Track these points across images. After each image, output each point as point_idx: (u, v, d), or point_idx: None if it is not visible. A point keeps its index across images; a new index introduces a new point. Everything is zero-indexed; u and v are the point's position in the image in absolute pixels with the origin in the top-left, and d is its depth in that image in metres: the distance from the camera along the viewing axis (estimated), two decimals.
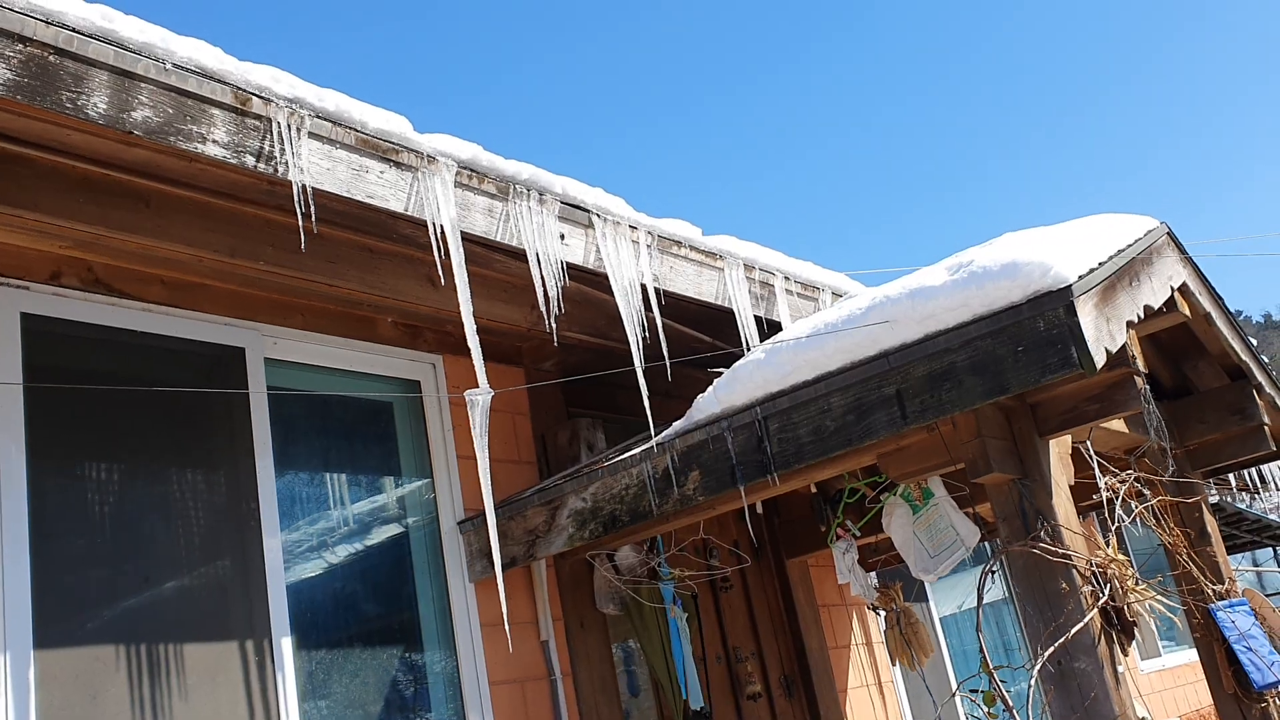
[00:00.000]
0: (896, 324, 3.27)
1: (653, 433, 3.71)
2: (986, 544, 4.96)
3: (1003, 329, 3.14)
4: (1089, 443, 3.93)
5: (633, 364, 3.66)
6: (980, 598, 3.45)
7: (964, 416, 3.36)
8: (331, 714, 3.67)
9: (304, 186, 2.88)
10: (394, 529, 4.18)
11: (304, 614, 3.70)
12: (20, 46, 2.44)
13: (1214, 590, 4.57)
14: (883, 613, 5.12)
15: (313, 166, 2.93)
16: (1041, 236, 3.46)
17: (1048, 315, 3.07)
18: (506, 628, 3.83)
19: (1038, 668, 3.18)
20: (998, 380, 3.14)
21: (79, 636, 3.14)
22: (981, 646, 3.35)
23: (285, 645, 3.53)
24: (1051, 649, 3.18)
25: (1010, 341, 3.12)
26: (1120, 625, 3.33)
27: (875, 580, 4.99)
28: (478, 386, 3.17)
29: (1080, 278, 3.10)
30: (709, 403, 3.68)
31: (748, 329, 4.20)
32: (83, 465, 3.34)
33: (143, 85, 2.59)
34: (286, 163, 2.87)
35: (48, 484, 3.21)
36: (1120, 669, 3.28)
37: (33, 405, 3.20)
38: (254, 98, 2.80)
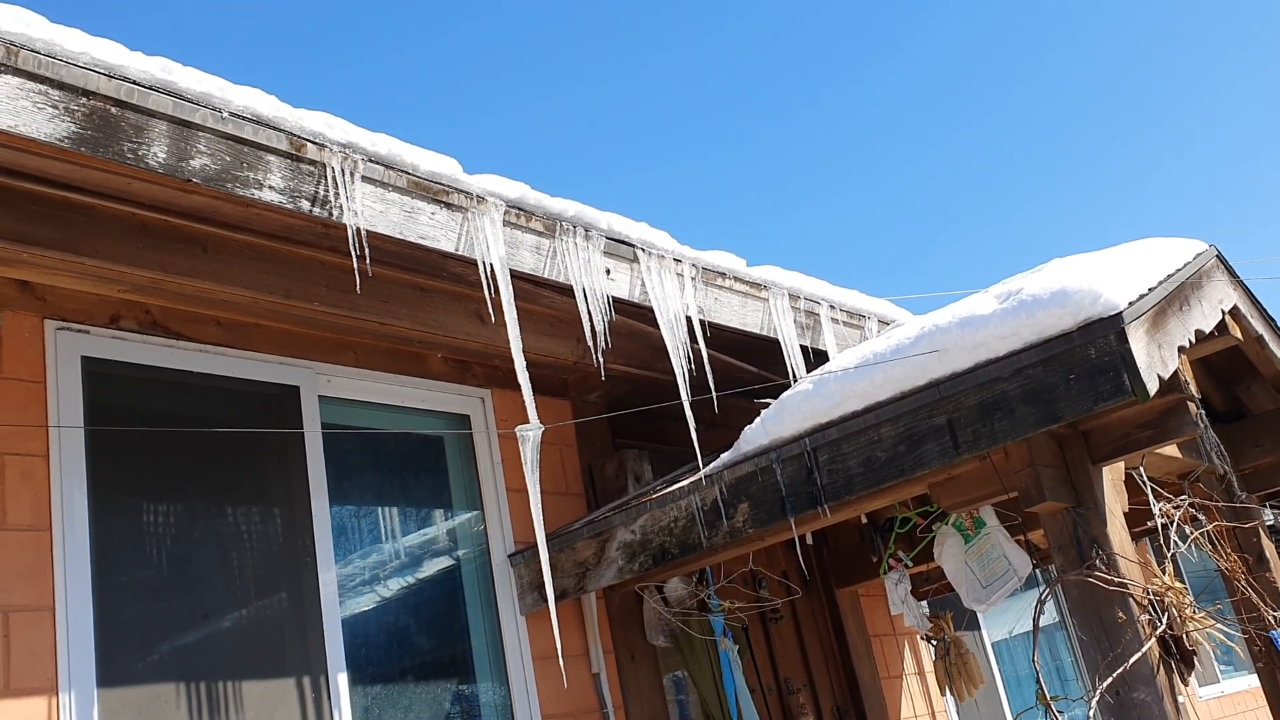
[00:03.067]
0: (946, 353, 3.27)
1: (700, 464, 3.72)
2: (1038, 571, 4.92)
3: (1054, 357, 3.13)
4: (1142, 469, 3.90)
5: (678, 395, 3.68)
6: (1036, 627, 3.42)
7: (1016, 445, 3.34)
8: None
9: (358, 229, 2.94)
10: (445, 562, 4.21)
11: (359, 648, 3.73)
12: (84, 100, 2.51)
13: (1274, 616, 4.50)
14: (934, 643, 5.08)
15: (366, 210, 2.99)
16: (1090, 262, 3.45)
17: (1099, 343, 3.06)
18: (561, 661, 3.84)
19: (1096, 699, 3.14)
20: (1050, 409, 3.13)
21: (141, 674, 3.18)
22: (1038, 677, 3.32)
23: (341, 680, 3.56)
24: (1110, 679, 3.14)
25: (1062, 369, 3.11)
26: (1179, 654, 3.28)
27: (926, 609, 4.95)
28: (526, 420, 3.20)
29: (1131, 304, 3.09)
30: (757, 434, 3.69)
31: (794, 358, 4.21)
32: (143, 504, 3.40)
33: (200, 134, 2.66)
34: (341, 206, 2.92)
35: (109, 523, 3.27)
36: (1180, 699, 3.23)
37: (94, 446, 3.27)
38: (309, 143, 2.86)
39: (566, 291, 3.67)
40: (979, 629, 6.64)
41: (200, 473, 3.56)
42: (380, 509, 4.12)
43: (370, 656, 3.79)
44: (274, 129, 2.79)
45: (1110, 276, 3.16)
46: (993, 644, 6.75)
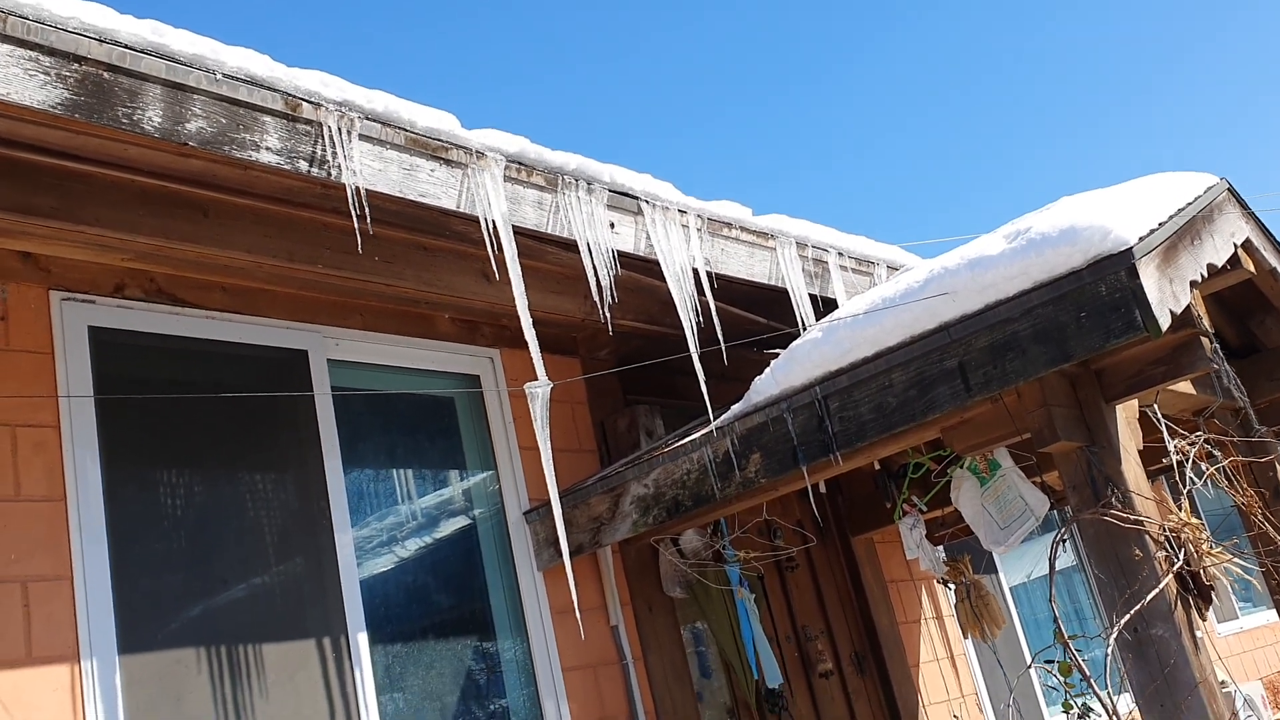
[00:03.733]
0: (956, 296, 3.24)
1: (711, 417, 3.71)
2: (1055, 513, 4.91)
3: (1064, 295, 3.10)
4: (1155, 406, 3.88)
5: (687, 349, 3.66)
6: (1052, 567, 3.42)
7: (1028, 386, 3.32)
8: (409, 706, 3.72)
9: (358, 189, 2.91)
10: (461, 521, 4.22)
11: (378, 609, 3.75)
12: (76, 66, 2.48)
13: None
14: (952, 586, 5.09)
15: (365, 169, 2.96)
16: (1099, 199, 3.41)
17: (1109, 279, 3.03)
18: (578, 614, 3.86)
19: (1114, 636, 3.14)
20: (1061, 348, 3.11)
21: (161, 640, 3.21)
22: (1055, 617, 3.31)
23: (361, 640, 3.59)
24: (1127, 616, 3.14)
25: (1072, 308, 3.09)
26: (1196, 589, 3.27)
27: (943, 554, 4.95)
28: (535, 378, 3.19)
29: (1141, 239, 3.05)
30: (767, 384, 3.67)
31: (803, 308, 4.18)
32: (156, 473, 3.41)
33: (195, 97, 2.63)
34: (339, 166, 2.90)
35: (123, 492, 3.28)
36: (1198, 634, 3.23)
37: (105, 416, 3.27)
38: (304, 103, 2.84)
39: (571, 247, 3.64)
40: (996, 573, 6.65)
41: (212, 440, 3.57)
42: (394, 471, 4.12)
43: (390, 616, 3.81)
44: (268, 89, 2.76)
45: (1120, 212, 3.12)
46: (1010, 588, 6.76)
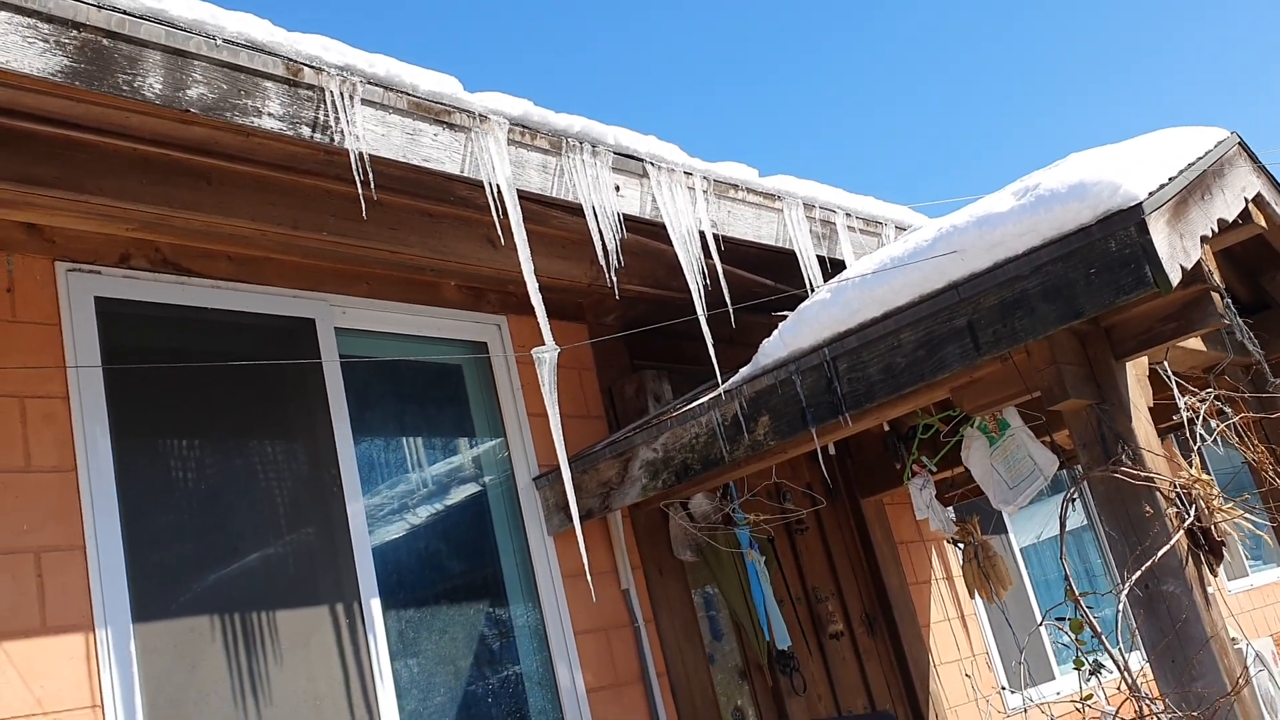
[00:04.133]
0: (964, 254, 3.22)
1: (720, 380, 3.70)
2: (1064, 472, 4.90)
3: (1073, 252, 3.08)
4: (1166, 363, 3.86)
5: (694, 313, 3.65)
6: (1063, 525, 3.41)
7: (1038, 344, 3.31)
8: (423, 671, 3.75)
9: (361, 154, 2.90)
10: (471, 488, 4.23)
11: (390, 575, 3.77)
12: (75, 32, 2.47)
13: None
14: (961, 546, 5.09)
15: (368, 133, 2.94)
16: (1108, 155, 3.37)
17: (1119, 235, 3.00)
18: (589, 578, 3.87)
19: (1125, 592, 3.13)
20: (1071, 305, 3.09)
21: (175, 608, 3.23)
22: (1066, 574, 3.31)
23: (374, 606, 3.60)
24: (1138, 573, 3.13)
25: (1082, 264, 3.06)
26: (1208, 545, 3.27)
27: (953, 514, 4.95)
28: (542, 344, 3.18)
29: (1151, 194, 3.02)
30: (775, 346, 3.66)
31: (810, 269, 4.16)
32: (165, 443, 3.41)
33: (195, 63, 2.61)
34: (342, 131, 2.88)
35: (134, 462, 3.29)
36: (1210, 590, 3.23)
37: (113, 387, 3.27)
38: (305, 68, 2.81)
39: (576, 211, 3.62)
40: (1006, 533, 6.66)
41: (222, 409, 3.57)
42: (403, 438, 4.13)
43: (402, 582, 3.82)
44: (269, 54, 2.74)
45: (1129, 167, 3.09)
46: (1021, 549, 6.77)
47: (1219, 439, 4.01)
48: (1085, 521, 7.69)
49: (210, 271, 3.59)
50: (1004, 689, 5.99)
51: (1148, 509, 3.22)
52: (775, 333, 3.66)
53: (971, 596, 5.16)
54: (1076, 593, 3.34)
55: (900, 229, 4.83)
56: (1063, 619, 3.57)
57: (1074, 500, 3.46)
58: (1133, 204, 2.98)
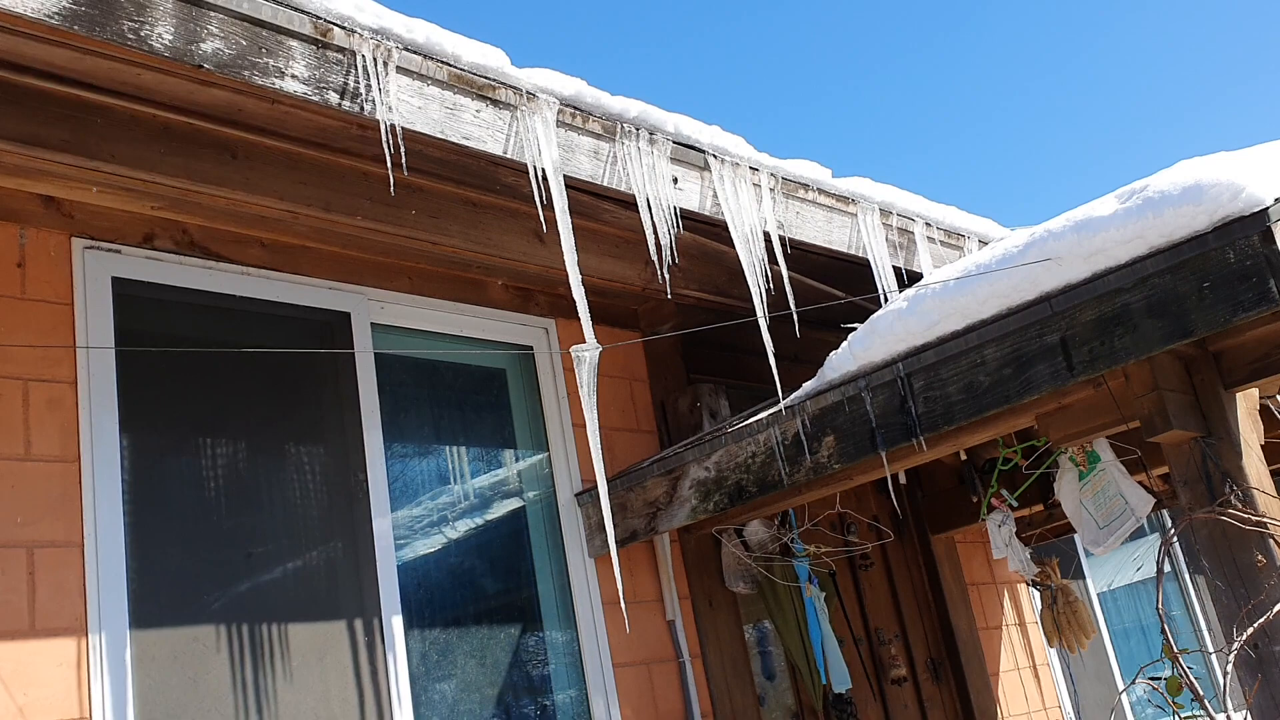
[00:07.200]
0: (1059, 262, 2.88)
1: (780, 394, 3.39)
2: (1153, 514, 4.50)
3: (1184, 262, 2.74)
4: (1279, 397, 3.49)
5: (755, 324, 3.34)
6: (1160, 572, 3.04)
7: (1137, 368, 2.97)
8: (445, 696, 3.46)
9: (393, 126, 2.64)
10: (508, 502, 3.95)
11: (415, 592, 3.50)
12: None
13: None
14: (1038, 590, 4.71)
15: (402, 105, 2.69)
16: (1227, 159, 3.02)
17: (1239, 244, 2.67)
18: (622, 606, 3.57)
19: (1233, 653, 2.77)
20: (1180, 322, 2.75)
21: (177, 615, 2.99)
22: (1164, 627, 2.94)
23: (395, 625, 3.33)
24: (1249, 631, 2.76)
25: (1194, 277, 2.73)
26: None
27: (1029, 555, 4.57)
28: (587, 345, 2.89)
29: (1278, 200, 2.67)
30: (844, 359, 3.34)
31: (885, 279, 3.83)
32: (179, 438, 3.19)
33: (212, 14, 2.38)
34: (373, 101, 2.63)
35: (144, 455, 3.07)
36: None
37: (126, 374, 3.05)
38: (335, 28, 2.57)
39: (630, 205, 3.33)
40: (1084, 578, 6.23)
41: (243, 404, 3.34)
42: (439, 446, 3.86)
43: (427, 600, 3.55)
44: (295, 10, 2.50)
45: (1253, 169, 2.74)
46: (1098, 594, 6.34)
47: None
48: (1168, 568, 7.21)
49: (241, 258, 3.36)
50: None
51: (1260, 558, 2.88)
52: (844, 345, 3.34)
53: (1049, 645, 4.77)
54: (1175, 649, 2.97)
55: (984, 244, 4.48)
56: (1157, 678, 3.19)
57: (1168, 544, 3.10)
58: (1257, 209, 2.65)
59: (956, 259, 4.31)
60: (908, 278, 4.12)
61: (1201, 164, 2.90)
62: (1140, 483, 3.78)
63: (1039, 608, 4.77)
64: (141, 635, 2.89)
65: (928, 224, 4.18)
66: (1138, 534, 6.43)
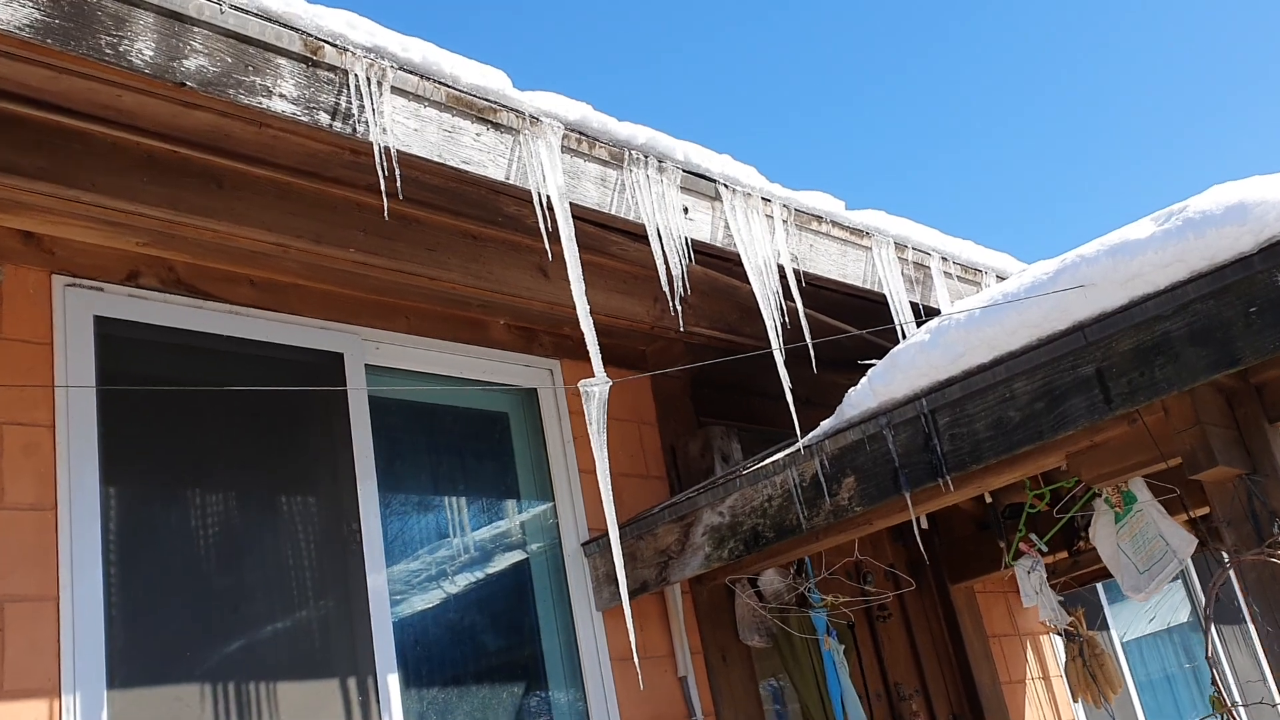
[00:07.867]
0: (1093, 288, 2.72)
1: (799, 433, 3.21)
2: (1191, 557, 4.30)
3: (1228, 287, 2.59)
4: None
5: (769, 361, 3.18)
6: (1207, 620, 2.86)
7: (1177, 401, 2.81)
8: None
9: (388, 149, 2.50)
10: (511, 552, 3.76)
11: (412, 648, 3.30)
12: None
13: None
14: (1062, 640, 4.50)
15: (397, 127, 2.54)
16: (1264, 181, 2.87)
17: None
18: (636, 661, 3.36)
19: None
20: (1225, 350, 2.59)
21: (158, 673, 2.79)
22: (1214, 679, 2.75)
23: (391, 683, 3.13)
24: None
25: (1239, 301, 2.58)
26: None
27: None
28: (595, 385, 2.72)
29: None
30: (863, 396, 3.17)
31: (902, 314, 3.67)
32: (163, 485, 3.01)
33: (195, 29, 2.24)
34: (366, 122, 2.48)
35: (124, 504, 2.89)
36: None
37: (107, 418, 2.88)
38: (326, 46, 2.43)
39: (639, 237, 3.19)
40: (1108, 628, 6.01)
41: (229, 451, 3.16)
42: (437, 494, 3.68)
43: (426, 657, 3.35)
44: (284, 26, 2.36)
45: None
46: (1123, 644, 6.11)
47: None
48: (1191, 618, 6.98)
49: (230, 296, 3.21)
50: None
51: None
52: (863, 380, 3.17)
53: (1075, 700, 4.55)
54: (1226, 699, 2.78)
55: (1001, 279, 4.33)
56: None
57: (1216, 588, 2.91)
58: None
59: (973, 295, 4.16)
60: (924, 313, 3.97)
61: (1242, 185, 2.76)
62: (1190, 520, 3.60)
63: (1063, 660, 4.55)
64: (119, 695, 2.69)
65: (944, 258, 4.04)
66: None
